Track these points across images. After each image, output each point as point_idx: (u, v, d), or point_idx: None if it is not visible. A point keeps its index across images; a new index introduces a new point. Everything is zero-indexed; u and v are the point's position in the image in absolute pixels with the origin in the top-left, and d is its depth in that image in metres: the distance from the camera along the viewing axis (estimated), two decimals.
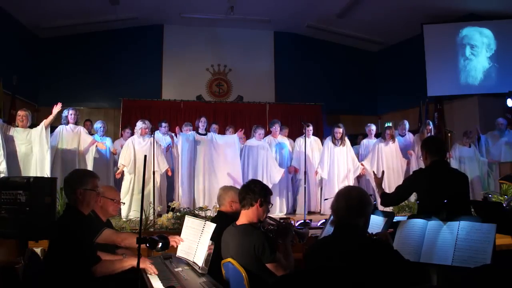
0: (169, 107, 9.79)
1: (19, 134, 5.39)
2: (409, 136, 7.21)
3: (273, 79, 10.72)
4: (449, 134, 6.94)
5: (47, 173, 5.35)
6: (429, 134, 6.86)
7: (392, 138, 6.88)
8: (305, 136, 6.42)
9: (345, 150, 6.77)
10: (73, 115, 6.12)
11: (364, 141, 7.41)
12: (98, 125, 7.00)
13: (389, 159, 6.80)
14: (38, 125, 5.55)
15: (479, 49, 8.58)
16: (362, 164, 6.79)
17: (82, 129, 6.22)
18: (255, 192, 2.54)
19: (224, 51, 10.52)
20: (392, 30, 9.66)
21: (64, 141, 5.99)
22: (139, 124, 6.25)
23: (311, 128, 7.01)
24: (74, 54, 9.74)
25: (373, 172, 3.62)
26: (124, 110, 9.50)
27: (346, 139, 6.87)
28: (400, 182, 3.35)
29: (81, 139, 6.08)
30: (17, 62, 8.54)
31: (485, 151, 7.12)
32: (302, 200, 6.38)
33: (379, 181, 3.38)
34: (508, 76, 8.21)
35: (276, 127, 6.99)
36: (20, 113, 5.51)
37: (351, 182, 6.68)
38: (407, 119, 7.65)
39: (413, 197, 3.40)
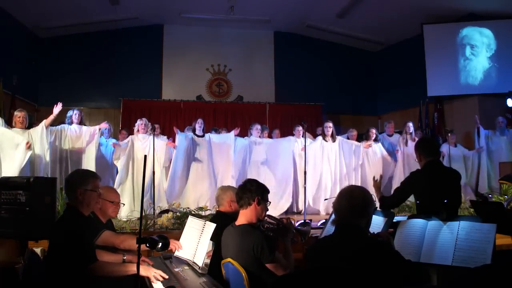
0: (169, 107, 9.80)
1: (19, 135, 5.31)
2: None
3: (273, 79, 10.72)
4: (449, 134, 6.93)
5: (47, 172, 5.33)
6: (410, 135, 6.99)
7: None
8: (305, 136, 6.38)
9: (336, 147, 6.77)
10: (77, 115, 6.09)
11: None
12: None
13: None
14: (37, 125, 5.53)
15: (479, 49, 8.58)
16: None
17: (85, 127, 6.12)
18: (251, 191, 2.53)
19: (224, 51, 10.52)
20: (392, 30, 9.67)
21: (68, 141, 5.91)
22: (137, 122, 6.32)
23: (300, 128, 7.04)
24: (74, 54, 9.74)
25: (373, 177, 3.64)
26: (124, 110, 9.51)
27: (338, 136, 6.92)
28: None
29: (85, 134, 6.00)
30: (17, 62, 8.54)
31: (485, 144, 7.07)
32: None
33: (377, 185, 3.41)
34: (508, 76, 8.21)
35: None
36: (20, 114, 5.42)
37: (348, 181, 6.66)
38: (407, 119, 7.63)
39: (413, 197, 3.41)
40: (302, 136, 6.78)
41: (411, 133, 7.02)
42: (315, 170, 6.66)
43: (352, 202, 2.08)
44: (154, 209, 5.16)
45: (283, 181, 6.66)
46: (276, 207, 6.27)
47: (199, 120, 6.66)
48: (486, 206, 3.35)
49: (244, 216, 2.55)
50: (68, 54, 9.71)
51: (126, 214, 5.15)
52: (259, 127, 6.92)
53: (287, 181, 6.66)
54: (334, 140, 6.83)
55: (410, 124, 7.08)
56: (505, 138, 7.03)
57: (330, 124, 6.84)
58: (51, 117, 5.52)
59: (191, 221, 2.88)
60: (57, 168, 5.73)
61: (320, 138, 6.91)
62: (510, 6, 8.01)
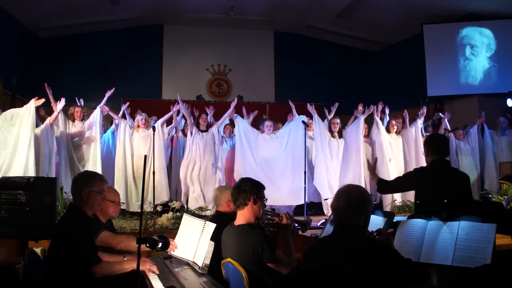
0: (169, 107, 9.68)
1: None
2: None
3: (273, 79, 10.73)
4: (448, 134, 6.93)
5: (52, 171, 5.29)
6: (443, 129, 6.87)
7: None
8: (305, 134, 6.15)
9: (342, 144, 6.41)
10: (79, 112, 6.05)
11: None
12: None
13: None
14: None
15: (479, 49, 8.58)
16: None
17: (86, 122, 6.11)
18: (246, 191, 2.51)
19: (224, 51, 10.53)
20: (392, 30, 9.67)
21: (73, 139, 5.86)
22: (137, 117, 6.31)
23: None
24: (74, 54, 9.73)
25: (367, 160, 3.65)
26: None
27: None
28: None
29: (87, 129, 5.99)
30: (17, 62, 8.54)
31: (489, 142, 7.03)
32: None
33: (372, 167, 3.43)
34: (508, 76, 8.22)
35: None
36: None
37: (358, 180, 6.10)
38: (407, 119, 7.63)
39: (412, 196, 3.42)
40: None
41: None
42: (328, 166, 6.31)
43: (349, 202, 2.08)
44: (154, 208, 5.14)
45: (297, 170, 6.16)
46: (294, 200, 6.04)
47: (203, 116, 6.48)
48: (486, 206, 3.35)
49: (242, 217, 2.54)
50: (68, 54, 9.70)
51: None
52: (269, 123, 6.51)
53: (301, 169, 6.06)
54: (340, 136, 6.50)
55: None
56: (505, 138, 7.03)
57: (338, 120, 6.49)
58: (55, 114, 5.53)
59: (186, 219, 2.86)
60: (64, 167, 5.65)
61: (328, 133, 6.56)
62: (510, 6, 8.01)
